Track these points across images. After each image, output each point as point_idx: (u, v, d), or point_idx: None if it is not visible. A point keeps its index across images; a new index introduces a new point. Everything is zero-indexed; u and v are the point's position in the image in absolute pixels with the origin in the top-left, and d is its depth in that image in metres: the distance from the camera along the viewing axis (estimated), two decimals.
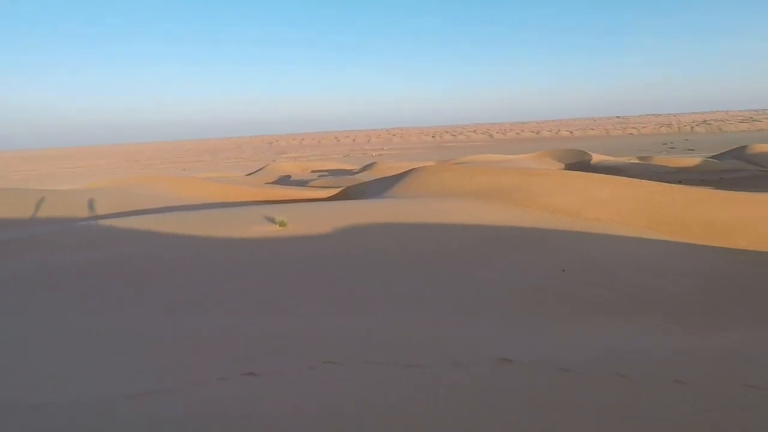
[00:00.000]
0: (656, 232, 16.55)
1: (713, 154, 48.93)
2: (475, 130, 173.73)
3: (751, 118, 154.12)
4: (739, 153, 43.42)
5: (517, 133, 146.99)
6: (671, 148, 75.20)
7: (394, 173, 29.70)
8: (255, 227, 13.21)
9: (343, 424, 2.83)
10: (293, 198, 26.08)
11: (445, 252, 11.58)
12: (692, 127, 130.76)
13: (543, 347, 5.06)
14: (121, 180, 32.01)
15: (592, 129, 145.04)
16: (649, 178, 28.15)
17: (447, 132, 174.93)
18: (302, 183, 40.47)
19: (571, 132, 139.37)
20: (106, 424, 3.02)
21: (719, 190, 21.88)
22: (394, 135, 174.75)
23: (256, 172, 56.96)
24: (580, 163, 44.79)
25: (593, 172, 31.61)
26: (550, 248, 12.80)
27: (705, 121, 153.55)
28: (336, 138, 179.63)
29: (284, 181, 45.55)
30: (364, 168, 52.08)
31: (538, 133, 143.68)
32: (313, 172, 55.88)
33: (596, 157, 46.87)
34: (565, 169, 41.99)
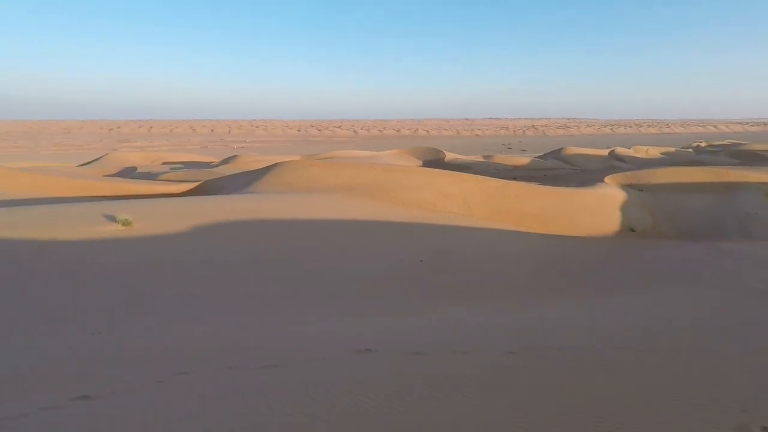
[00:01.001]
0: (497, 223, 18.90)
1: (539, 154, 57.53)
2: (340, 126, 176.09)
3: (566, 125, 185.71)
4: (557, 154, 51.83)
5: (380, 131, 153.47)
6: (508, 148, 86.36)
7: (258, 167, 28.54)
8: (92, 227, 11.46)
9: None
10: (140, 193, 23.25)
11: (309, 247, 11.58)
12: (524, 131, 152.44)
13: (401, 334, 5.42)
14: None
15: (446, 129, 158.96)
16: (491, 175, 31.96)
17: (313, 126, 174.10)
18: (151, 176, 36.29)
19: (427, 131, 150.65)
20: None
21: (544, 186, 25.92)
22: (257, 127, 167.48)
23: (92, 162, 49.27)
24: (436, 161, 48.70)
25: (447, 169, 34.66)
26: (410, 240, 13.70)
27: (534, 126, 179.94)
28: (192, 127, 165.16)
29: (128, 173, 40.30)
30: (225, 161, 48.87)
31: (398, 131, 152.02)
32: (164, 164, 50.46)
33: (449, 155, 51.47)
34: (422, 165, 45.23)
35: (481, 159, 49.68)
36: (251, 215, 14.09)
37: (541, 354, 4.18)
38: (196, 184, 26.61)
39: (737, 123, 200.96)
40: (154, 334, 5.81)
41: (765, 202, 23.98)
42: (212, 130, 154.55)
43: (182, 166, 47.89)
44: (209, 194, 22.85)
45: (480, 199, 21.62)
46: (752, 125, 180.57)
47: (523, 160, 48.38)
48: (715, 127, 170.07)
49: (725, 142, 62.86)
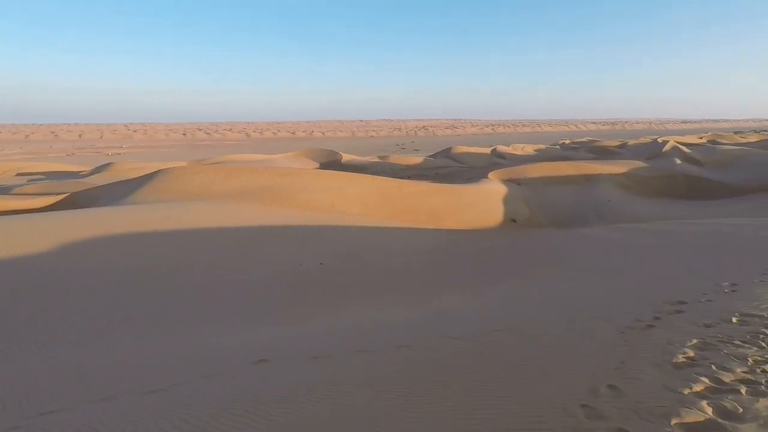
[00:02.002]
0: (394, 221, 19.54)
1: (431, 153, 60.61)
2: (231, 129, 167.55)
3: (453, 125, 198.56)
4: (446, 153, 55.10)
5: (274, 133, 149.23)
6: (402, 148, 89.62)
7: (139, 175, 26.00)
8: None
9: None
10: None
11: (201, 258, 10.88)
12: (416, 131, 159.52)
13: (300, 340, 5.37)
14: None
15: (341, 131, 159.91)
16: (387, 175, 32.95)
17: (200, 129, 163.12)
18: (2, 190, 31.05)
19: (323, 133, 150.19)
20: None
21: (436, 183, 27.41)
22: (135, 131, 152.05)
23: None
24: (332, 162, 48.80)
25: (343, 170, 34.93)
26: (309, 243, 13.57)
27: (424, 126, 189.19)
28: (53, 132, 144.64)
29: None
30: (97, 169, 43.54)
31: (293, 133, 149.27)
32: (19, 175, 43.48)
33: (346, 157, 51.87)
34: (319, 167, 44.99)
35: (376, 159, 50.86)
36: (133, 227, 12.80)
37: (435, 346, 4.44)
38: (63, 196, 23.38)
39: (592, 123, 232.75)
40: (10, 369, 5.00)
41: (615, 190, 28.10)
42: (80, 136, 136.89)
43: (43, 176, 41.66)
44: (80, 207, 20.23)
45: (377, 199, 22.17)
46: (603, 125, 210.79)
47: (416, 159, 50.56)
48: (576, 126, 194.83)
49: (584, 140, 72.19)
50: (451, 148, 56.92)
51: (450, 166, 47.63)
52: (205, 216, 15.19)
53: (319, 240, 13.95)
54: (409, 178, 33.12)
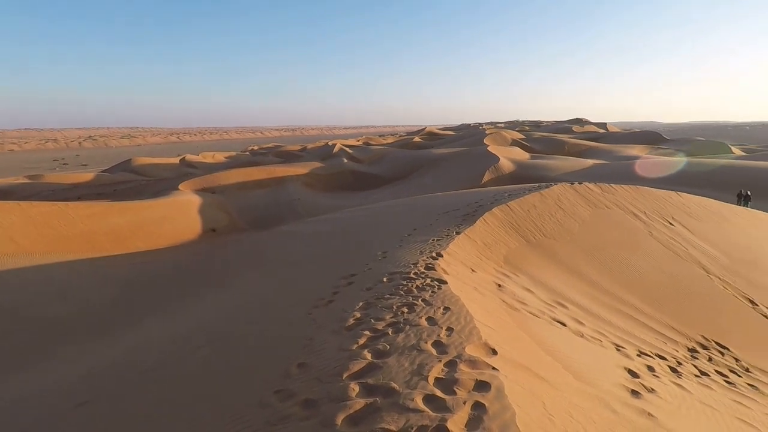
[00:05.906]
0: (62, 254, 15.80)
1: (105, 167, 51.86)
2: None
3: (129, 134, 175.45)
4: (126, 166, 48.38)
5: None
6: (64, 164, 73.04)
7: None
8: None
9: None
10: None
11: None
12: (80, 143, 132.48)
13: None
14: None
15: None
16: (45, 198, 26.28)
17: None
18: None
19: None
20: None
21: (117, 202, 23.65)
22: None
23: None
24: None
25: None
26: None
27: (91, 136, 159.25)
28: None
29: None
30: None
31: None
32: None
33: None
34: None
35: (25, 180, 39.84)
36: None
37: (121, 391, 3.89)
38: None
39: (276, 130, 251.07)
40: None
41: (302, 189, 31.34)
42: None
43: None
44: None
45: (31, 230, 17.36)
46: (285, 131, 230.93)
47: (86, 176, 42.48)
48: (261, 133, 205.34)
49: (270, 145, 77.05)
50: (131, 160, 50.34)
51: (132, 180, 42.10)
52: None
53: None
54: (79, 198, 27.44)
